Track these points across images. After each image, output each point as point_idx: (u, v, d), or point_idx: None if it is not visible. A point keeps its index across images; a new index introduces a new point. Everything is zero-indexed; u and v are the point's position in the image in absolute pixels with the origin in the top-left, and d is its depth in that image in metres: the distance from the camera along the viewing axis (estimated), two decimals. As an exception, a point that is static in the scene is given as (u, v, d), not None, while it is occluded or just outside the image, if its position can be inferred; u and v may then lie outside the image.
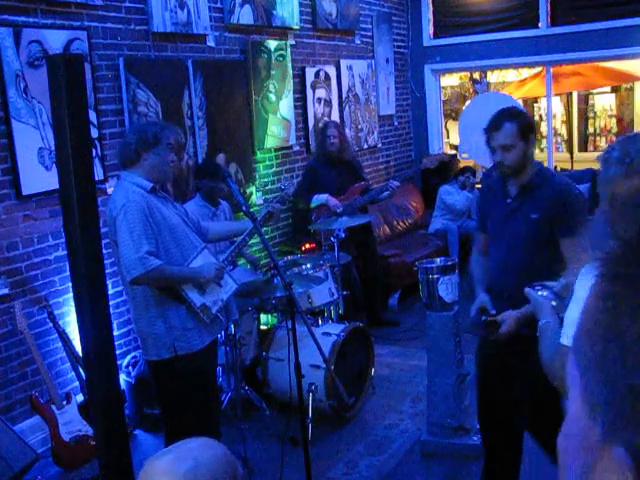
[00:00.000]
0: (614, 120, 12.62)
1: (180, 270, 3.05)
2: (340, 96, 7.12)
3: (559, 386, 1.72)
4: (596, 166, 2.11)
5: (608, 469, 0.58)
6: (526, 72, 11.00)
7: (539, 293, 2.09)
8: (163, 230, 3.02)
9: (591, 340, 0.57)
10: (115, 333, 3.89)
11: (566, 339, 1.77)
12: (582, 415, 0.61)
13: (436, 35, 8.48)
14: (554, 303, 2.02)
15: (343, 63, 7.17)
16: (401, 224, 7.45)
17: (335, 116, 7.02)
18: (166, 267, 2.98)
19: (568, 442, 1.09)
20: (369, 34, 7.71)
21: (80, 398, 3.97)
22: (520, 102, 9.57)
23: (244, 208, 3.11)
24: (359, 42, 7.53)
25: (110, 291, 4.05)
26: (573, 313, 1.66)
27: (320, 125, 6.30)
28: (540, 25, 7.84)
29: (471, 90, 11.85)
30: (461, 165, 8.03)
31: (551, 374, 1.84)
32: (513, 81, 11.74)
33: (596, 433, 0.57)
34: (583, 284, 1.57)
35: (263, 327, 4.84)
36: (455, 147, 10.27)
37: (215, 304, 3.16)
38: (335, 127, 5.75)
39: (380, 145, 7.94)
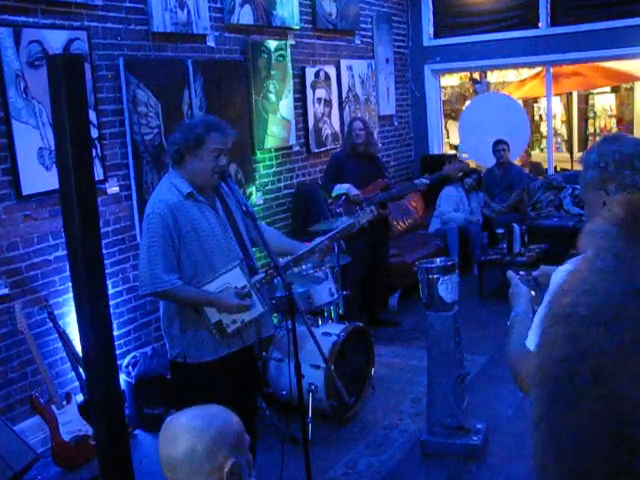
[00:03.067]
0: (614, 120, 12.61)
1: (194, 295, 2.95)
2: (340, 96, 7.12)
3: (526, 393, 1.50)
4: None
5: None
6: (526, 72, 10.99)
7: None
8: (190, 242, 2.94)
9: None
10: (115, 333, 3.89)
11: (532, 343, 1.49)
12: None
13: (436, 35, 8.48)
14: (533, 293, 1.75)
15: (343, 63, 7.17)
16: (401, 224, 7.44)
17: (335, 116, 7.03)
18: (179, 290, 2.90)
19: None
20: (369, 34, 7.71)
21: (80, 398, 3.97)
22: (520, 102, 9.57)
23: (244, 208, 3.10)
24: (359, 42, 7.52)
25: (110, 291, 4.05)
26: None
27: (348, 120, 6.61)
28: (540, 25, 7.85)
29: (471, 90, 11.84)
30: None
31: (515, 378, 1.58)
32: (513, 81, 11.74)
33: None
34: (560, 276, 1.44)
35: (263, 327, 4.83)
36: (455, 147, 10.27)
37: (233, 324, 2.99)
38: (361, 121, 5.88)
39: (380, 145, 7.93)
